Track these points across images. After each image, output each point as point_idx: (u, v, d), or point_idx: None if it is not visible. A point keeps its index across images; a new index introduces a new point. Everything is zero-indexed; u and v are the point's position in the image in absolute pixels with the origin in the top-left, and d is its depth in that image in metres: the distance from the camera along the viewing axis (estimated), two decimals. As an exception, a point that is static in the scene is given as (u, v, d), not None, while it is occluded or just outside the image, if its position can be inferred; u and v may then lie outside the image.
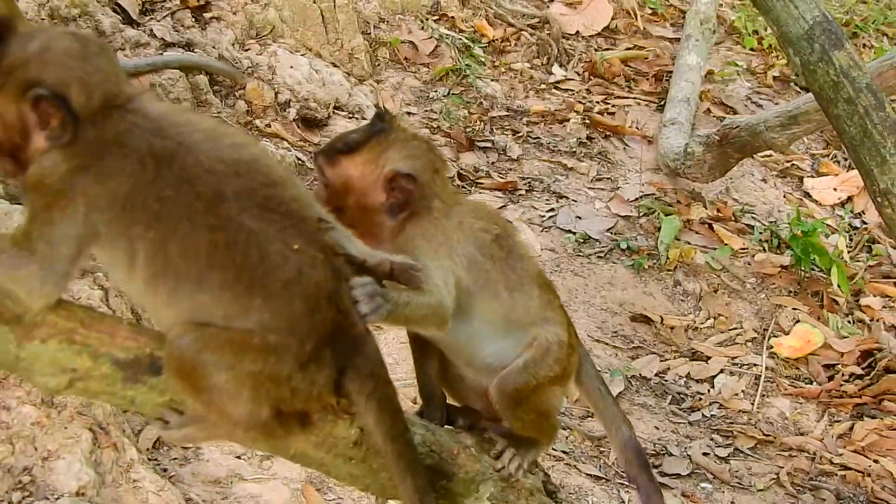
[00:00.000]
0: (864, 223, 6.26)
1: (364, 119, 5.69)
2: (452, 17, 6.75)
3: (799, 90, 7.02)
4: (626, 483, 4.29)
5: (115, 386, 2.12)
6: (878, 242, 6.13)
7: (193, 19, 5.67)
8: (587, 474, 4.35)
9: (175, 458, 3.70)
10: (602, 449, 4.57)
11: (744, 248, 5.84)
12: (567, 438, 4.56)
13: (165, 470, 3.56)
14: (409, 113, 6.04)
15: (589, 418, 4.67)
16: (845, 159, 6.74)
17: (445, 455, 2.56)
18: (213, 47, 5.59)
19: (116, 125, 2.01)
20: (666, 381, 5.07)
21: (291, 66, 5.71)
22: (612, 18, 7.35)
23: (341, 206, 2.54)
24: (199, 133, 2.08)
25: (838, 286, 5.58)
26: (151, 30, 5.51)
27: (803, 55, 3.50)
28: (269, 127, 5.43)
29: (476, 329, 2.57)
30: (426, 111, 6.12)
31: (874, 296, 5.70)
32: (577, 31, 7.17)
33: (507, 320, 2.61)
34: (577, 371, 2.90)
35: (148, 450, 3.62)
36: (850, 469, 4.79)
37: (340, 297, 2.13)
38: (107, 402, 2.37)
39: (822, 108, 3.64)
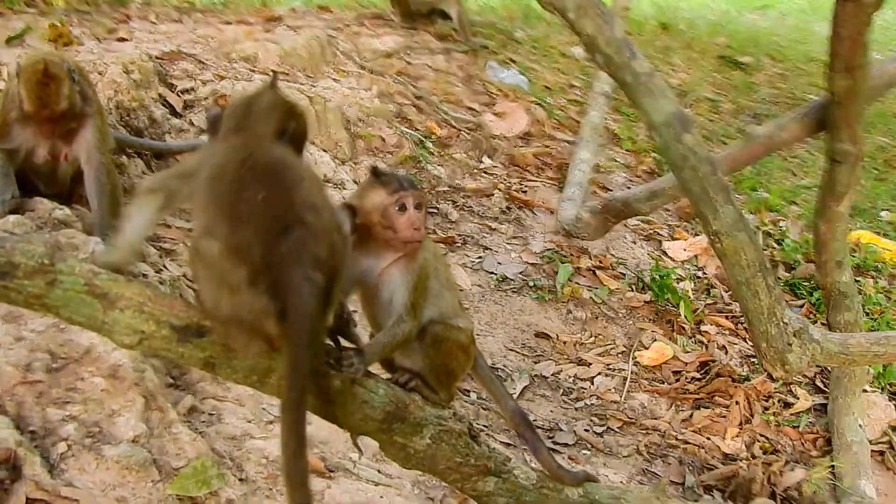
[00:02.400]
0: (705, 273, 6.36)
1: (345, 189, 5.82)
2: (411, 120, 6.88)
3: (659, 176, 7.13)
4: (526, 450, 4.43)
5: (172, 344, 2.19)
6: (714, 287, 6.25)
7: (222, 113, 5.77)
8: (501, 441, 4.39)
9: (203, 421, 3.70)
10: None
11: (618, 288, 5.95)
12: (487, 416, 4.67)
13: (196, 429, 3.56)
14: None
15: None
16: (693, 228, 6.86)
17: (400, 405, 2.65)
18: (236, 134, 5.70)
19: None
20: (559, 379, 5.17)
21: (293, 150, 5.79)
22: (528, 125, 7.46)
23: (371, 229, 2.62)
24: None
25: (684, 316, 5.75)
26: (191, 119, 5.62)
27: (663, 136, 3.58)
28: None
29: (430, 313, 2.70)
30: None
31: (710, 324, 5.83)
32: (501, 133, 7.26)
33: (442, 313, 2.75)
34: (475, 366, 3.04)
35: (183, 414, 3.61)
36: (690, 444, 4.91)
37: (282, 243, 2.07)
38: (164, 356, 2.36)
39: (675, 174, 3.71)
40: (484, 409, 4.70)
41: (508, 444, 4.40)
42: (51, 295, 2.06)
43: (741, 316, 5.95)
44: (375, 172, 2.64)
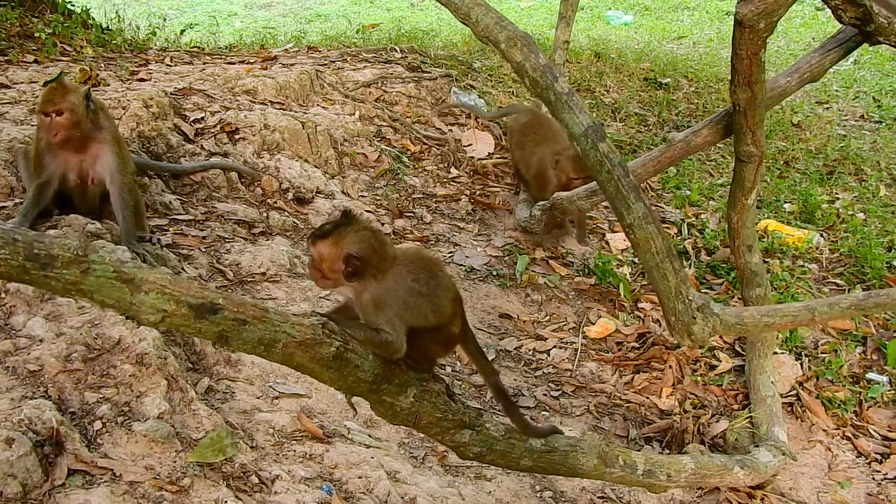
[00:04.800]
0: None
1: (335, 199, 5.80)
2: (389, 139, 6.84)
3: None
4: (497, 411, 4.42)
5: (190, 321, 2.18)
6: (648, 271, 6.26)
7: (228, 139, 5.72)
8: (473, 407, 4.39)
9: (218, 398, 3.71)
10: (481, 392, 4.66)
11: (567, 275, 5.97)
12: (461, 386, 4.68)
13: (212, 405, 3.56)
14: (362, 196, 6.08)
15: (473, 374, 4.77)
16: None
17: (387, 369, 2.67)
18: (241, 156, 5.65)
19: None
20: (521, 352, 5.17)
21: (289, 168, 5.75)
22: (495, 148, 7.32)
23: (321, 270, 2.66)
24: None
25: (624, 296, 5.76)
26: (202, 144, 5.57)
27: (582, 145, 3.59)
28: (276, 203, 5.45)
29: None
30: (373, 195, 6.16)
31: (646, 302, 5.83)
32: (474, 157, 7.10)
33: (432, 325, 2.76)
34: (467, 346, 3.07)
35: (201, 393, 3.62)
36: (632, 402, 4.94)
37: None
38: (184, 332, 2.32)
39: (594, 177, 3.73)
40: (458, 380, 4.69)
41: (481, 413, 4.35)
42: (86, 281, 2.03)
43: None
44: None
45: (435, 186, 6.60)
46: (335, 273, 2.63)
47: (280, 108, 6.35)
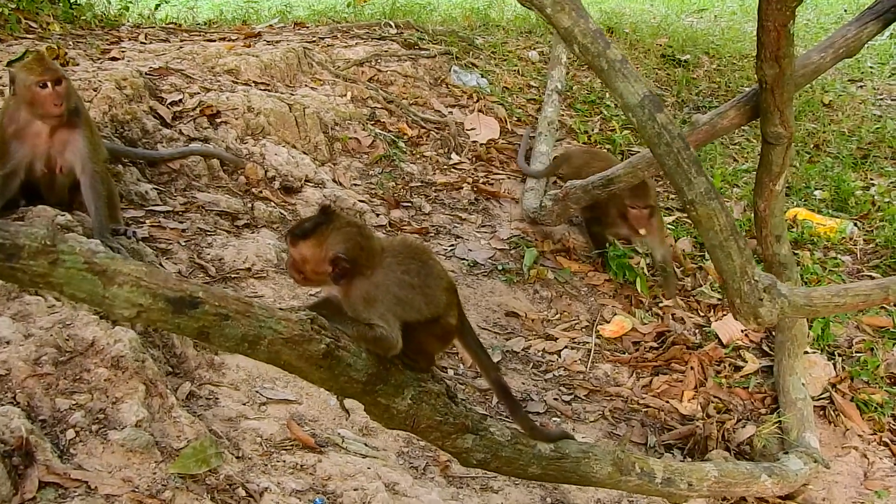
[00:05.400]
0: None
1: (325, 188, 5.80)
2: (383, 122, 6.85)
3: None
4: (504, 418, 4.43)
5: (168, 316, 2.15)
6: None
7: (209, 122, 5.71)
8: (476, 410, 4.39)
9: (201, 405, 3.70)
10: (486, 396, 4.67)
11: (580, 269, 5.99)
12: (464, 390, 4.68)
13: (195, 412, 3.54)
14: (355, 185, 6.09)
15: (478, 377, 4.77)
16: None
17: (382, 368, 2.66)
18: (222, 141, 5.64)
19: None
20: (529, 353, 5.18)
21: (276, 154, 5.75)
22: (500, 133, 7.35)
23: (303, 272, 2.65)
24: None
25: (641, 291, 5.80)
26: (180, 129, 5.55)
27: (638, 117, 3.65)
28: (262, 193, 5.44)
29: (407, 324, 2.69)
30: (367, 184, 6.16)
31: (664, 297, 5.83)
32: (477, 142, 7.13)
33: (427, 318, 2.75)
34: (465, 340, 3.07)
35: (182, 399, 3.61)
36: (650, 407, 4.95)
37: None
38: (161, 327, 2.31)
39: (651, 150, 3.77)
40: (461, 383, 4.70)
41: (485, 416, 4.36)
42: (54, 273, 2.02)
43: (692, 290, 6.02)
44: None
45: (434, 174, 6.59)
46: (320, 275, 2.64)
47: (265, 90, 6.34)
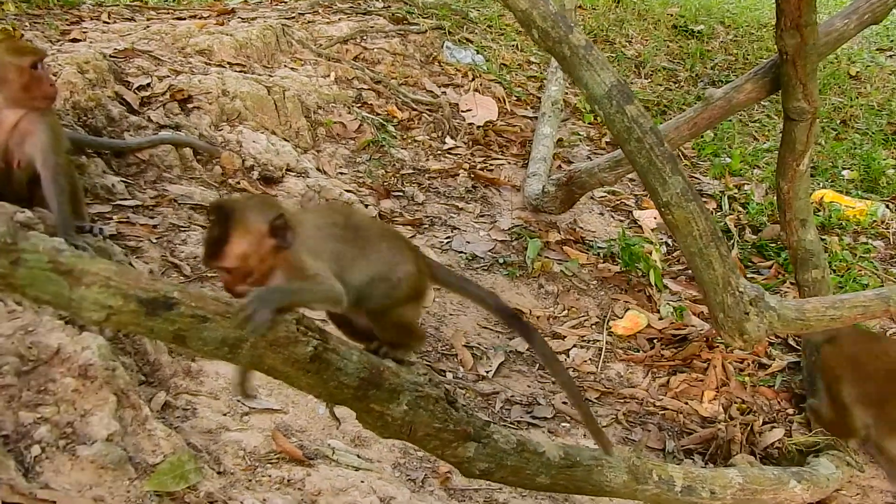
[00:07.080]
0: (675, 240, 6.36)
1: (308, 177, 5.78)
2: (371, 104, 6.85)
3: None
4: (507, 423, 4.42)
5: (140, 318, 2.12)
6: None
7: (180, 108, 5.69)
8: (478, 416, 4.39)
9: (178, 416, 3.69)
10: (489, 402, 4.67)
11: (588, 261, 5.97)
12: (465, 395, 4.67)
13: (171, 424, 3.52)
14: (341, 173, 6.08)
15: (480, 381, 4.78)
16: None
17: (374, 371, 2.64)
18: (195, 128, 5.62)
19: None
20: (534, 354, 5.07)
21: (254, 141, 5.74)
22: (498, 113, 7.36)
23: (249, 274, 2.56)
24: None
25: (654, 284, 5.80)
26: (149, 116, 5.53)
27: (605, 109, 3.57)
28: (239, 184, 5.43)
29: (357, 290, 2.66)
30: (354, 172, 6.16)
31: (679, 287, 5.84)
32: (474, 124, 7.14)
33: (373, 275, 2.71)
34: (441, 280, 3.03)
35: (157, 410, 3.59)
36: (668, 409, 4.94)
37: None
38: (133, 331, 2.28)
39: (621, 146, 3.69)
40: (461, 387, 4.70)
41: (488, 422, 4.36)
42: (16, 274, 2.00)
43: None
44: None
45: (427, 160, 6.59)
46: (267, 257, 2.58)
47: (240, 71, 6.33)
